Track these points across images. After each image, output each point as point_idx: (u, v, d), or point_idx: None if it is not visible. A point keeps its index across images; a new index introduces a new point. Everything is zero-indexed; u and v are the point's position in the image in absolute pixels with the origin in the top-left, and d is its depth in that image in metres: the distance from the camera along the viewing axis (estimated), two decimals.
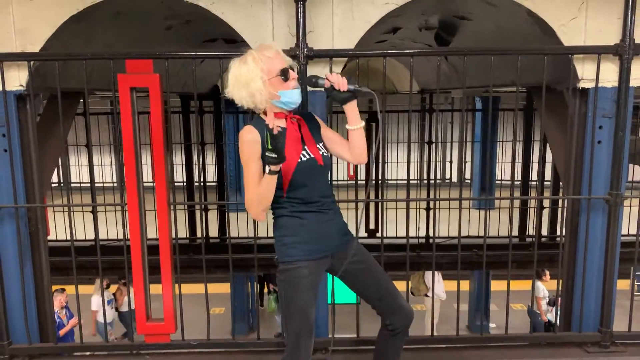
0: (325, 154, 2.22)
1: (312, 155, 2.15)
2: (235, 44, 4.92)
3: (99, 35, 3.52)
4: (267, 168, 2.00)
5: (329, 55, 2.78)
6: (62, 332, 6.93)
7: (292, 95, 2.11)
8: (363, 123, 2.21)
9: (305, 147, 2.16)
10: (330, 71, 2.72)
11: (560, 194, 7.36)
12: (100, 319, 7.64)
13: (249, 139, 2.07)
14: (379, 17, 2.85)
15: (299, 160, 2.12)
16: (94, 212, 3.50)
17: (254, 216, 2.08)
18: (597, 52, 2.83)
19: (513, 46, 3.42)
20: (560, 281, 3.19)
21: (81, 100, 6.72)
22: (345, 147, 2.26)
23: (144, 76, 2.75)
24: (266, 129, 1.96)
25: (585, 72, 2.92)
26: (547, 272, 8.34)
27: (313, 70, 2.79)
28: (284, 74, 2.08)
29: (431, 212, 6.98)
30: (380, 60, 2.90)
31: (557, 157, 3.27)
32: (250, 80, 2.05)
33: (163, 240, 2.95)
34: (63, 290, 7.08)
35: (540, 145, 7.20)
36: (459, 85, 5.66)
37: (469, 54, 2.83)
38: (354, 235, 2.37)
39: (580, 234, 3.06)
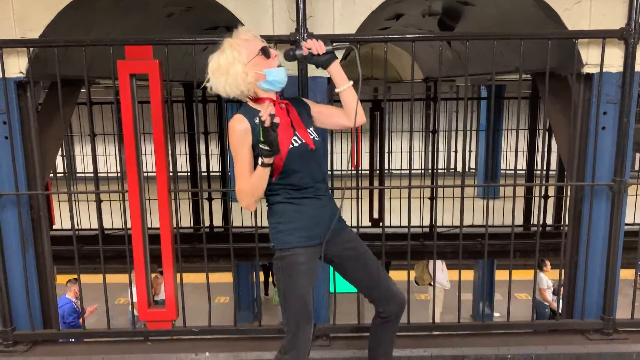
0: (316, 138, 2.20)
1: (303, 140, 2.14)
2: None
3: (99, 23, 3.51)
4: (259, 160, 1.99)
5: (329, 40, 2.74)
6: (81, 320, 6.97)
7: (278, 74, 2.09)
8: (351, 82, 2.18)
9: (296, 132, 2.14)
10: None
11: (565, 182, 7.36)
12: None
13: (240, 129, 2.04)
14: (381, 2, 2.81)
15: (291, 146, 2.10)
16: (97, 201, 3.50)
17: (245, 207, 2.08)
18: (602, 36, 2.79)
19: (517, 31, 3.37)
20: (562, 268, 3.17)
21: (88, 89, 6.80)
22: (342, 114, 2.24)
23: (144, 62, 2.73)
24: (259, 121, 1.93)
25: (590, 57, 2.88)
26: (548, 262, 8.32)
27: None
28: (265, 51, 2.05)
29: (434, 201, 6.94)
30: (393, 53, 2.86)
31: (560, 143, 3.23)
32: (229, 66, 2.02)
33: (164, 227, 2.95)
34: (77, 280, 7.11)
35: (544, 134, 7.15)
36: (463, 72, 5.61)
37: (471, 38, 2.79)
38: (349, 223, 2.37)
39: (584, 221, 3.03)
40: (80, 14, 3.06)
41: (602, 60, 2.82)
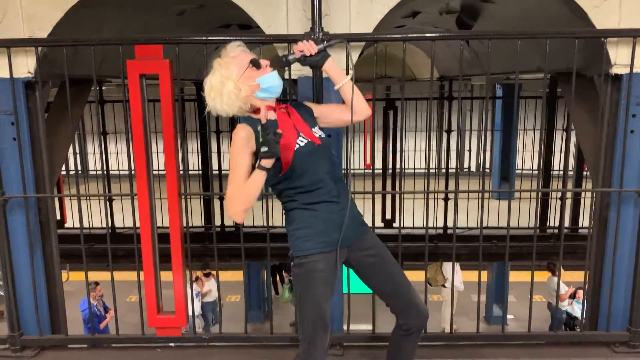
0: (322, 135, 2.15)
1: (308, 139, 2.09)
2: (249, 29, 4.81)
3: (109, 21, 3.44)
4: (257, 163, 1.95)
5: (345, 39, 2.64)
6: (102, 324, 6.99)
7: (270, 79, 2.06)
8: (349, 76, 2.14)
9: (300, 132, 2.10)
10: (347, 57, 2.59)
11: (584, 186, 7.18)
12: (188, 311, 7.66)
13: (243, 135, 2.02)
14: (399, 0, 2.70)
15: (297, 146, 2.06)
16: (108, 201, 3.44)
17: (233, 215, 2.01)
18: (633, 35, 2.65)
19: (540, 29, 3.24)
20: (587, 277, 3.04)
21: (97, 88, 6.74)
22: (345, 110, 2.19)
23: (154, 62, 2.65)
24: (259, 124, 1.94)
25: (619, 56, 2.74)
26: (561, 267, 8.15)
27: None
28: (255, 63, 2.04)
29: (450, 202, 6.83)
30: (398, 46, 2.76)
31: (585, 147, 3.10)
32: (221, 86, 2.02)
33: (174, 231, 2.87)
34: (97, 283, 7.10)
35: (562, 134, 6.99)
36: (480, 71, 5.48)
37: (494, 37, 2.67)
38: (369, 226, 2.29)
39: (610, 229, 2.90)
40: (90, 12, 2.99)
41: (632, 60, 2.68)
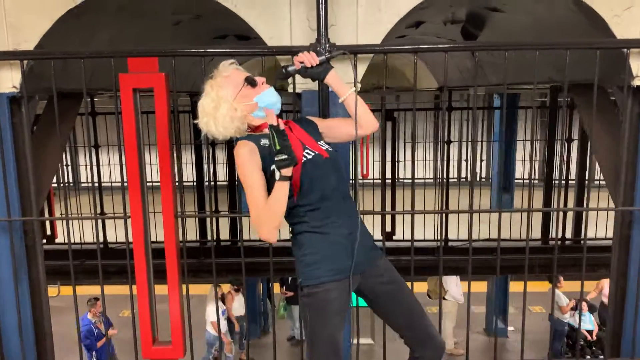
0: (329, 148, 2.02)
1: (315, 152, 1.96)
2: (247, 40, 4.65)
3: (100, 32, 3.26)
4: (276, 175, 1.80)
5: (353, 51, 2.46)
6: (99, 343, 6.75)
7: (268, 96, 1.94)
8: (353, 88, 2.02)
9: (306, 146, 1.97)
10: (354, 69, 2.44)
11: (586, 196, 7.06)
12: (212, 330, 7.39)
13: (246, 151, 1.88)
14: (409, 9, 2.56)
15: (304, 159, 1.92)
16: (96, 220, 3.24)
17: (266, 237, 1.84)
18: None
19: (556, 40, 3.11)
20: (611, 300, 2.89)
21: (89, 100, 6.55)
22: (351, 123, 2.05)
23: (149, 75, 2.48)
24: (270, 130, 1.80)
25: None
26: (561, 278, 8.09)
27: (335, 67, 2.50)
28: (250, 81, 1.92)
29: (450, 215, 6.67)
30: (397, 57, 2.60)
31: (603, 162, 2.96)
32: (215, 109, 1.89)
33: (170, 255, 2.69)
34: (97, 299, 6.86)
35: (562, 144, 6.90)
36: (483, 82, 5.35)
37: (511, 48, 2.53)
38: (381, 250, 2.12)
39: (634, 249, 2.75)
40: (80, 22, 2.82)
41: None
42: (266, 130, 1.92)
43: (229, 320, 8.03)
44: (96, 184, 6.44)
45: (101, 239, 5.76)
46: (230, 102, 1.89)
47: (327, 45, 2.41)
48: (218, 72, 1.94)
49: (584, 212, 6.91)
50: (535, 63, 2.58)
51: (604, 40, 2.64)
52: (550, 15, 3.03)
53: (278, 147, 1.77)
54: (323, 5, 2.41)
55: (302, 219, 1.94)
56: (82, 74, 2.52)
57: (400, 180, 8.80)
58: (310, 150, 1.96)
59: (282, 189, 1.81)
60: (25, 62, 2.57)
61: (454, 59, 5.67)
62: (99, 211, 5.77)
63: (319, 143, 2.01)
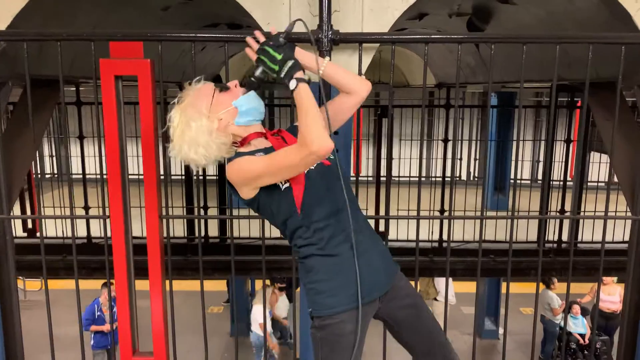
0: (330, 156, 1.78)
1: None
2: (240, 29, 4.41)
3: (82, 16, 3.01)
4: (292, 84, 1.58)
5: (357, 40, 2.26)
6: (93, 327, 6.60)
7: (249, 100, 1.71)
8: (327, 58, 1.81)
9: None
10: (359, 60, 2.22)
11: (585, 198, 6.94)
12: (259, 330, 7.21)
13: (244, 158, 1.65)
14: None
15: (306, 171, 1.68)
16: (72, 220, 3.00)
17: (323, 144, 1.48)
18: None
19: (571, 33, 2.92)
20: (624, 314, 2.72)
21: (73, 89, 6.26)
22: (341, 98, 1.82)
23: (132, 62, 2.23)
24: (261, 49, 1.65)
25: None
26: (555, 280, 8.02)
27: (338, 57, 2.29)
28: (220, 86, 1.70)
29: (445, 215, 6.51)
30: (399, 55, 2.39)
31: (618, 166, 2.78)
32: (185, 130, 1.65)
33: (153, 258, 2.46)
34: (105, 284, 6.66)
35: (562, 145, 6.77)
36: (484, 79, 5.15)
37: (529, 41, 2.32)
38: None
39: None
40: (58, 3, 2.57)
41: None
42: (257, 144, 1.71)
43: (273, 321, 7.88)
44: (76, 177, 6.17)
45: (85, 234, 5.51)
46: (206, 114, 1.66)
47: (330, 33, 2.19)
48: (185, 94, 1.71)
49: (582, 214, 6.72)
50: (542, 60, 2.40)
51: (633, 34, 2.44)
52: (567, 8, 2.83)
53: (279, 56, 1.60)
54: None
55: (309, 241, 1.69)
56: (59, 58, 2.27)
57: (394, 178, 8.65)
58: None
59: (306, 91, 1.57)
60: None
61: (454, 54, 5.47)
62: (82, 204, 5.52)
63: None
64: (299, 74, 1.59)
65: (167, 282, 2.49)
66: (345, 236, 1.68)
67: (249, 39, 1.73)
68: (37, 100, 3.07)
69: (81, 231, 5.62)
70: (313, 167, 1.69)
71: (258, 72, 1.70)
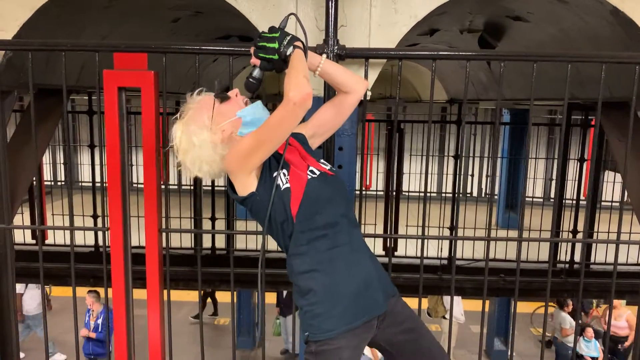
0: (332, 168, 1.75)
1: (319, 171, 1.69)
2: (251, 41, 4.41)
3: (90, 27, 3.02)
4: (289, 50, 1.61)
5: (364, 55, 2.21)
6: (82, 332, 6.55)
7: (254, 111, 1.67)
8: (324, 55, 1.77)
9: (309, 165, 1.69)
10: (365, 76, 2.18)
11: (598, 218, 6.80)
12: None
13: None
14: (429, 11, 2.31)
15: (309, 177, 1.64)
16: (72, 232, 2.98)
17: (303, 89, 1.49)
18: None
19: (584, 52, 2.86)
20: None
21: (86, 97, 6.29)
22: (338, 97, 1.80)
23: (136, 73, 2.21)
24: (256, 40, 1.67)
25: None
26: (570, 302, 7.85)
27: None
28: (220, 96, 1.66)
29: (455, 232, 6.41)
30: (412, 70, 2.35)
31: (632, 187, 2.69)
32: (189, 145, 1.63)
33: (151, 270, 2.42)
34: (90, 292, 6.57)
35: (575, 164, 6.68)
36: (496, 96, 5.09)
37: (540, 59, 2.26)
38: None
39: None
40: (65, 14, 2.58)
41: None
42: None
43: None
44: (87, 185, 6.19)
45: (93, 242, 5.52)
46: (208, 127, 1.62)
47: (336, 47, 2.15)
48: (185, 108, 1.68)
49: (595, 235, 6.59)
50: (553, 78, 2.34)
51: None
52: (580, 25, 2.77)
53: (276, 34, 1.63)
54: (333, 3, 2.16)
55: (304, 251, 1.63)
56: (63, 69, 2.26)
57: (404, 193, 8.58)
58: (315, 169, 1.68)
59: (298, 55, 1.59)
60: (1, 53, 2.32)
61: (465, 70, 5.43)
62: (91, 213, 5.54)
63: (320, 162, 1.74)
64: (299, 44, 1.61)
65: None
66: (341, 252, 1.62)
67: (252, 49, 1.71)
68: (45, 109, 3.08)
69: (89, 239, 5.64)
70: (315, 175, 1.65)
71: (256, 72, 1.69)
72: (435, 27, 3.70)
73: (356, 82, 1.76)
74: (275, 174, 1.63)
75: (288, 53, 1.61)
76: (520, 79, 4.29)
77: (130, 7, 3.08)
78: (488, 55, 3.08)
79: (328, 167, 1.74)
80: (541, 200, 9.74)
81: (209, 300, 10.20)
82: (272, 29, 1.66)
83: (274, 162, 1.66)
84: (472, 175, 11.97)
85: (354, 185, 2.43)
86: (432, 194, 9.74)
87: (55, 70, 2.72)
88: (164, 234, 2.42)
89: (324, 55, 1.74)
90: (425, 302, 8.60)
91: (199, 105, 1.67)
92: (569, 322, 7.84)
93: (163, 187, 2.39)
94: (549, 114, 12.44)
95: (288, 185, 1.62)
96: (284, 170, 1.65)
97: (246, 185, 1.64)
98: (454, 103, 6.98)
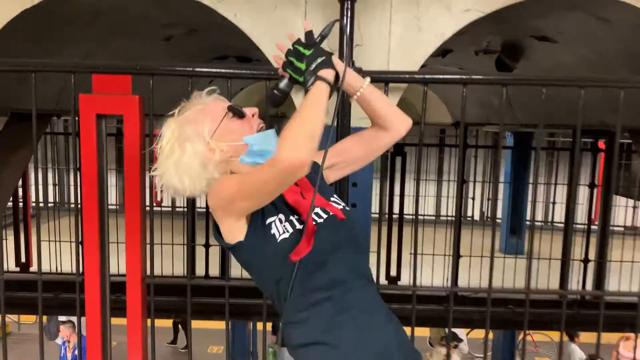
0: (345, 207, 1.40)
1: (329, 212, 1.35)
2: (250, 62, 4.13)
3: (72, 45, 2.71)
4: (311, 80, 1.30)
5: (383, 79, 1.91)
6: None
7: (265, 140, 1.33)
8: (369, 78, 1.45)
9: (316, 205, 1.34)
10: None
11: (611, 244, 6.53)
12: None
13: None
14: (458, 29, 2.02)
15: (314, 223, 1.31)
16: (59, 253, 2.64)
17: (295, 154, 1.15)
18: None
19: (601, 75, 2.60)
20: None
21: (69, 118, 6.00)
22: (372, 132, 1.49)
23: (118, 99, 1.90)
24: (293, 48, 1.35)
25: None
26: (580, 334, 7.60)
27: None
28: (235, 110, 1.33)
29: (462, 259, 6.11)
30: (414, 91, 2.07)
31: None
32: (175, 151, 1.30)
33: (133, 301, 2.09)
34: (64, 322, 6.42)
35: (584, 189, 6.45)
36: (510, 120, 4.82)
37: (549, 84, 1.91)
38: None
39: None
40: (42, 29, 2.27)
41: None
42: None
43: None
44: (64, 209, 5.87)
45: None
46: (206, 139, 1.31)
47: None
48: (188, 105, 1.37)
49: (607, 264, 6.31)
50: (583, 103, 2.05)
51: None
52: (619, 48, 2.50)
53: (309, 52, 1.31)
54: (348, 20, 1.86)
55: (304, 319, 1.29)
56: (33, 90, 1.94)
57: (405, 215, 8.34)
58: (321, 210, 1.34)
59: (319, 90, 1.27)
60: None
61: (476, 93, 5.17)
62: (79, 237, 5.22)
63: (330, 200, 1.40)
64: (326, 73, 1.29)
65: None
66: (350, 317, 1.27)
67: (275, 56, 1.42)
68: (21, 132, 2.78)
69: (75, 268, 5.30)
70: (321, 221, 1.32)
71: (283, 84, 1.37)
72: (449, 48, 3.43)
73: (399, 120, 1.46)
74: (269, 221, 1.31)
75: (309, 84, 1.29)
76: (531, 103, 4.04)
77: (116, 23, 2.78)
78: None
79: (341, 206, 1.41)
80: (543, 224, 9.51)
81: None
82: (309, 40, 1.36)
83: (269, 204, 1.32)
84: (474, 199, 11.73)
85: (369, 229, 2.10)
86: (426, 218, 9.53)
87: (30, 93, 2.41)
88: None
89: (368, 79, 1.43)
90: (427, 331, 8.33)
91: (206, 109, 1.35)
92: (578, 354, 7.53)
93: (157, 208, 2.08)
94: (549, 136, 12.28)
95: (286, 235, 1.29)
96: (281, 216, 1.32)
97: (232, 230, 1.32)
98: (459, 127, 6.75)
